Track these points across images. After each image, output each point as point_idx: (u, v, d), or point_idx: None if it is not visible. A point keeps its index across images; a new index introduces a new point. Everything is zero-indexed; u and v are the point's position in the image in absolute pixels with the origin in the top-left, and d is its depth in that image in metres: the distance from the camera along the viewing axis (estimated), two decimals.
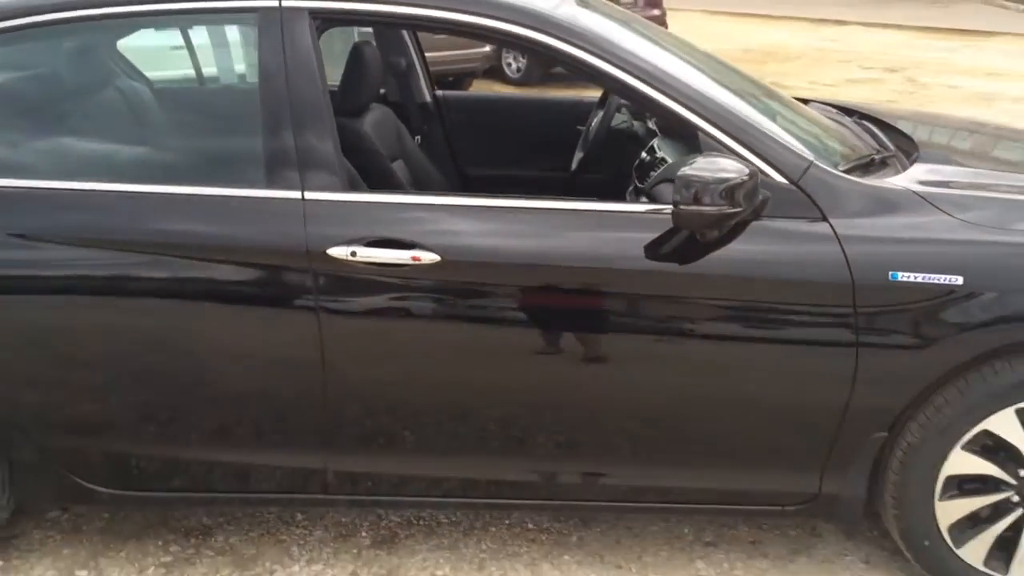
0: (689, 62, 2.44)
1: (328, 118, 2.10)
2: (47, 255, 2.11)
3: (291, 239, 2.04)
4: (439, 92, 3.53)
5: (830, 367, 2.07)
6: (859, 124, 2.78)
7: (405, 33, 3.41)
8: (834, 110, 2.96)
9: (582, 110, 3.30)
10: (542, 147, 3.27)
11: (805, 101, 2.99)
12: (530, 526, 2.60)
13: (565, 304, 2.12)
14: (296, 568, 2.43)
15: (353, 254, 2.02)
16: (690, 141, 2.25)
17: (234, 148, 2.27)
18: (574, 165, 3.11)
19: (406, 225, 2.06)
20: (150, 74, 2.64)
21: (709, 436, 2.22)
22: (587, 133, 3.13)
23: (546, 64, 9.65)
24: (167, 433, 2.26)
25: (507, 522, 2.61)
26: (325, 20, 2.20)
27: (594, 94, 3.26)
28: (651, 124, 2.92)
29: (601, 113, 3.05)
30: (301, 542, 2.53)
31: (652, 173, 2.44)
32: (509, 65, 10.29)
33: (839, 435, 2.12)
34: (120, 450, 2.27)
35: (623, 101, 2.97)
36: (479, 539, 2.55)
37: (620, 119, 3.07)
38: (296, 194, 2.06)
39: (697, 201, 1.88)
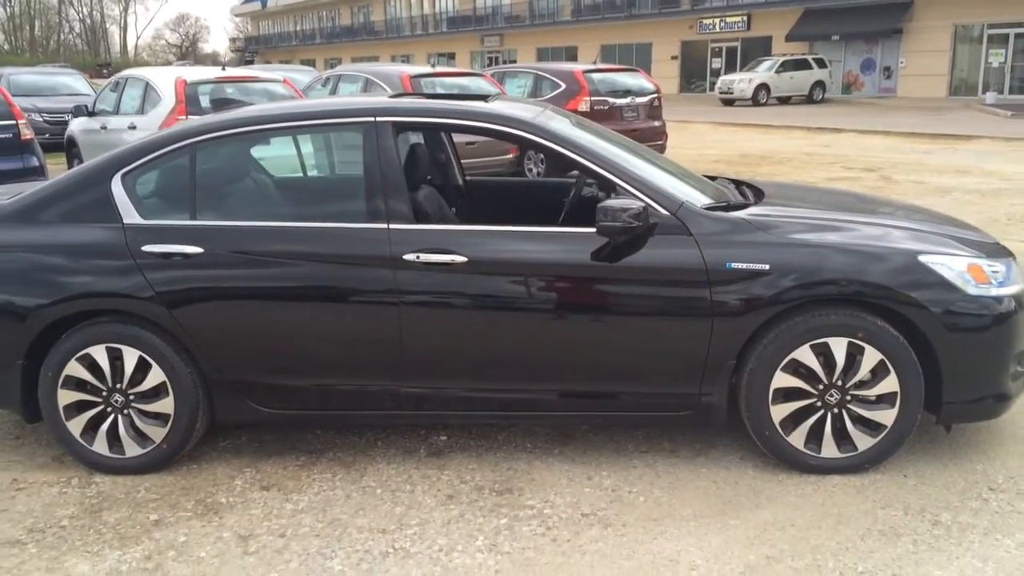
0: (623, 148, 3.99)
1: (402, 184, 3.65)
2: (247, 267, 3.63)
3: (382, 250, 3.56)
4: (468, 177, 5.11)
5: (699, 320, 3.50)
6: (738, 188, 4.31)
7: (444, 137, 5.03)
8: (727, 180, 4.50)
9: (565, 186, 4.86)
10: (539, 211, 4.76)
11: (713, 178, 4.53)
12: (528, 444, 4.02)
13: (542, 286, 3.58)
14: (380, 466, 3.85)
15: (418, 257, 3.53)
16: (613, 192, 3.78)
17: (351, 204, 3.80)
18: (560, 220, 4.62)
19: (447, 242, 3.57)
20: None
21: (634, 362, 3.61)
22: (568, 200, 4.66)
23: (561, 169, 11.35)
24: (307, 371, 3.72)
25: (513, 443, 4.04)
26: (401, 128, 3.79)
27: (572, 177, 4.82)
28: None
29: (574, 187, 4.59)
30: (381, 455, 3.97)
31: None
32: (531, 171, 12.02)
33: (707, 362, 3.54)
34: (276, 383, 3.74)
35: (589, 179, 4.51)
36: (495, 452, 3.96)
37: (588, 190, 4.60)
38: (384, 225, 3.60)
39: (612, 219, 3.38)
